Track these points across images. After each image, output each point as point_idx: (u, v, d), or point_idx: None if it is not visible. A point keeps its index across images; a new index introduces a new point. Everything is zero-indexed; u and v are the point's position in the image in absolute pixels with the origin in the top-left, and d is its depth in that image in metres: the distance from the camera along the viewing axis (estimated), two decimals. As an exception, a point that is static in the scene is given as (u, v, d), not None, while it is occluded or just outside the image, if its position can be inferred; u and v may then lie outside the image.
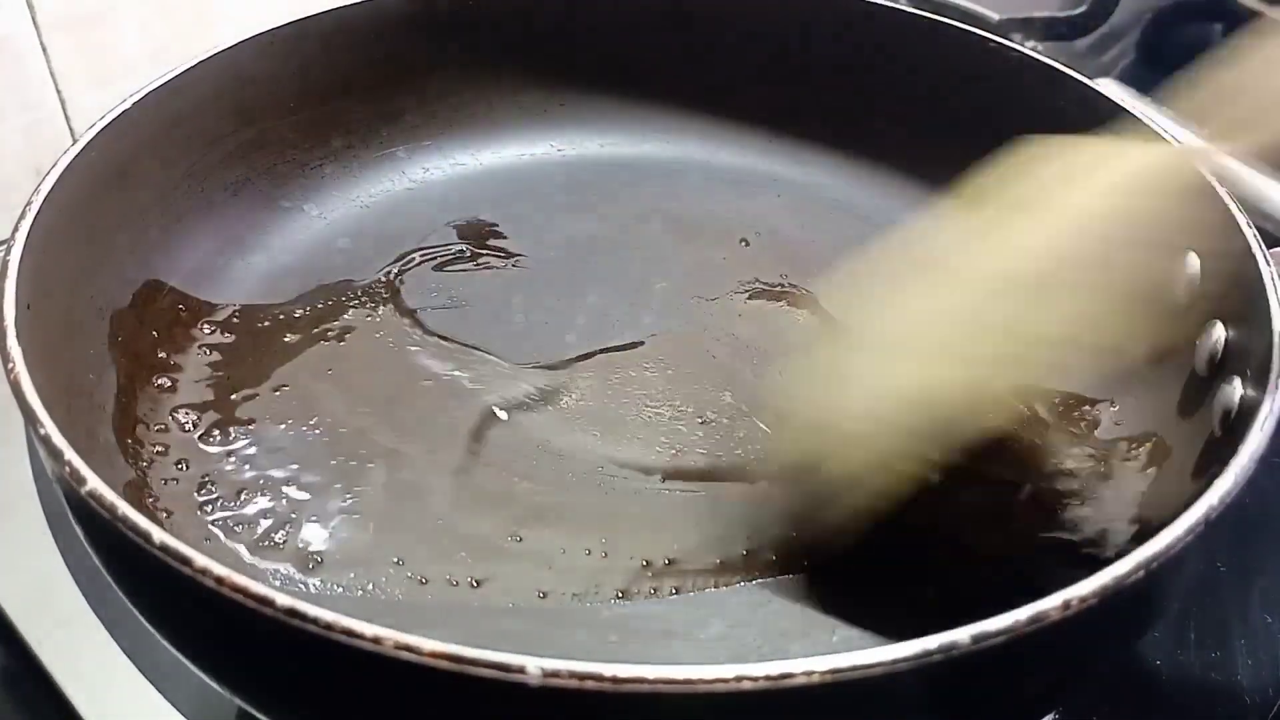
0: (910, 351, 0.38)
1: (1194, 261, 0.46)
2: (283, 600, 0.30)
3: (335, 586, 0.41)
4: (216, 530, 0.43)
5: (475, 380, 0.49)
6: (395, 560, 0.42)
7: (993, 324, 0.37)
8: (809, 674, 0.28)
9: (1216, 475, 0.35)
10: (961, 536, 0.44)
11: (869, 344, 0.40)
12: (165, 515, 0.43)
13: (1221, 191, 0.45)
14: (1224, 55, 0.40)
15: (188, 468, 0.45)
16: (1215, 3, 0.72)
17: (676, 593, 0.42)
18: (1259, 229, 0.44)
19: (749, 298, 0.54)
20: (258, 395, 0.48)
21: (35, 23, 0.60)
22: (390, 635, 0.29)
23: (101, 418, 0.44)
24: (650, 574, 0.42)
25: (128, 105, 0.49)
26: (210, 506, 0.43)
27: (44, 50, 0.61)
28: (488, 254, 0.56)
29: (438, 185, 0.60)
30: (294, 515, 0.43)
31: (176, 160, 0.52)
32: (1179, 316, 0.46)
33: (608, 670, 0.28)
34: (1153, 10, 0.81)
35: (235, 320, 0.51)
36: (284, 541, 0.42)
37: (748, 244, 0.57)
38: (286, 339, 0.51)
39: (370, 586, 0.41)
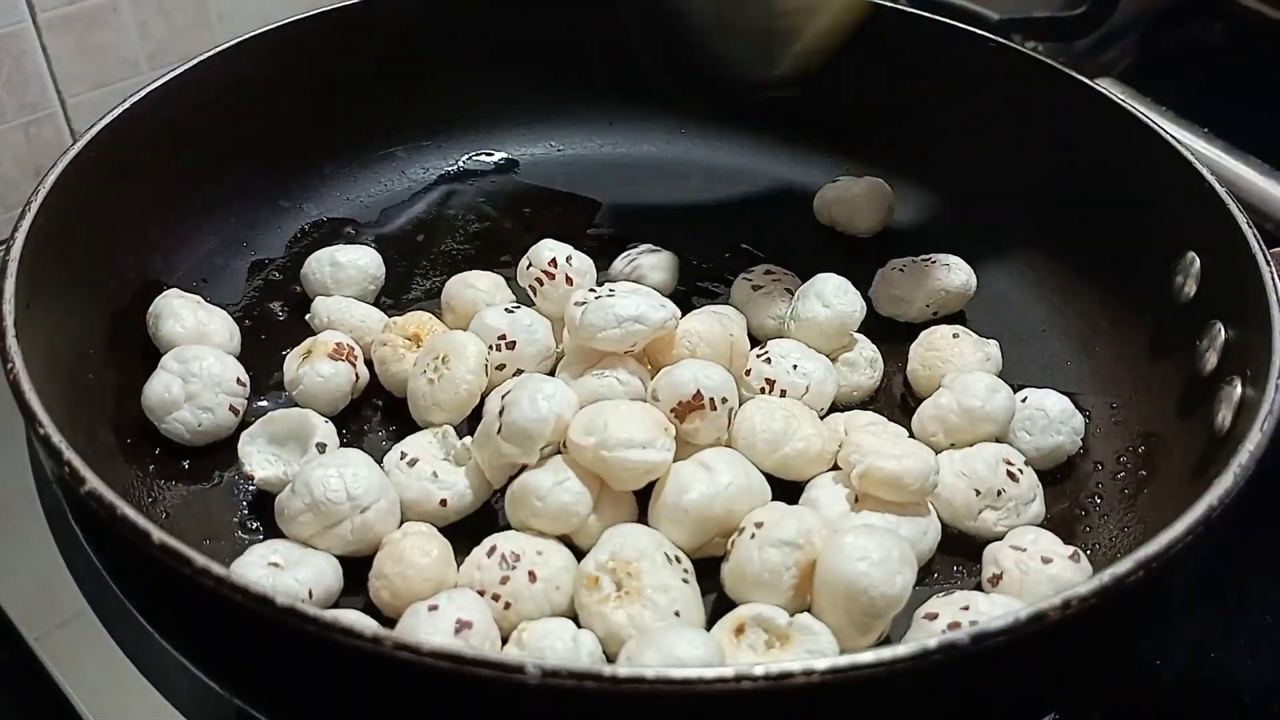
0: None
1: (1194, 261, 0.47)
2: (283, 600, 0.30)
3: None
4: (216, 530, 0.43)
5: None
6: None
7: None
8: (809, 674, 0.28)
9: (1216, 475, 0.35)
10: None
11: None
12: (165, 515, 0.43)
13: (1221, 191, 0.45)
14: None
15: (188, 468, 0.45)
16: (1215, 3, 0.72)
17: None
18: (1259, 229, 0.44)
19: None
20: (258, 395, 0.48)
21: (35, 23, 0.60)
22: (390, 635, 0.29)
23: (101, 418, 0.44)
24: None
25: (128, 105, 0.49)
26: (210, 507, 0.44)
27: (44, 50, 0.61)
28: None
29: (437, 185, 0.61)
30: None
31: (176, 160, 0.52)
32: (1179, 316, 0.47)
33: (607, 670, 0.28)
34: (1153, 10, 0.81)
35: (235, 320, 0.51)
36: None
37: (748, 243, 0.57)
38: (287, 338, 0.50)
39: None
